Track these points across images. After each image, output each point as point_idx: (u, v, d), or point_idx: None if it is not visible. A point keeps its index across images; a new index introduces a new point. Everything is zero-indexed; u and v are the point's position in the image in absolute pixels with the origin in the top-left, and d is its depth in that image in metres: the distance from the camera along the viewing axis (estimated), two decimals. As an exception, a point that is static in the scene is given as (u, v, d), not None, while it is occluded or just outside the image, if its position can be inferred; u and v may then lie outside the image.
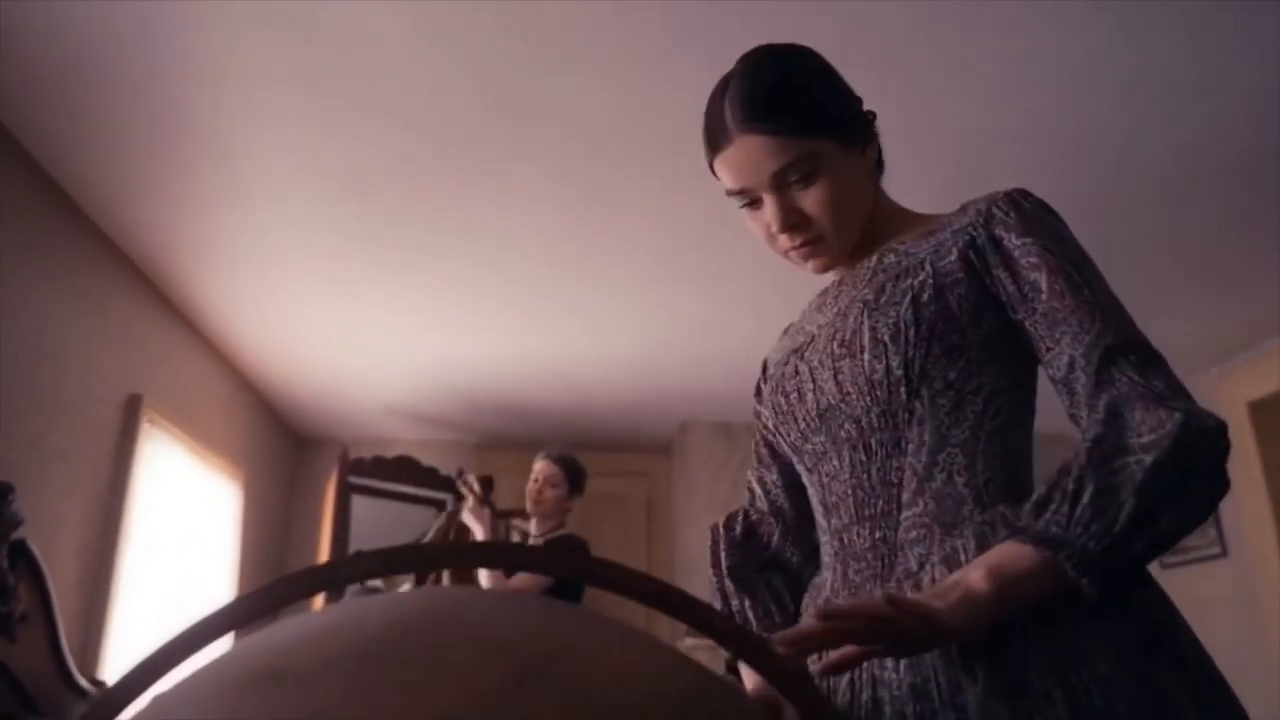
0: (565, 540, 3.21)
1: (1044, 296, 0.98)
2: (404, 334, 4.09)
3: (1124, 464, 0.86)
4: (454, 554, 1.36)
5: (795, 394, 1.10)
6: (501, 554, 1.72)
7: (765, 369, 1.28)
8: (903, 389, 1.00)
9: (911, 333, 1.00)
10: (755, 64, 1.10)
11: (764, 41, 1.15)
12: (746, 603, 1.18)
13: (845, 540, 1.05)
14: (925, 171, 2.64)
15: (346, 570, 1.13)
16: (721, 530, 1.25)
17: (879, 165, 1.20)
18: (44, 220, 2.92)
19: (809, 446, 1.10)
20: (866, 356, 1.02)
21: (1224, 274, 3.45)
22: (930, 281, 1.02)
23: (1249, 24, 2.22)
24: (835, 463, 1.07)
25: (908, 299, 1.02)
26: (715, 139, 1.10)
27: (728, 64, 1.12)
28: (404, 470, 4.97)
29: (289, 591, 0.99)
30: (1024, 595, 0.86)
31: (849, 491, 1.05)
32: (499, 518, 5.41)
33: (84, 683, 2.90)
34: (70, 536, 3.10)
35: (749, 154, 1.06)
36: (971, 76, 2.44)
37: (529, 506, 3.25)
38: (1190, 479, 0.85)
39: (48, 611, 2.75)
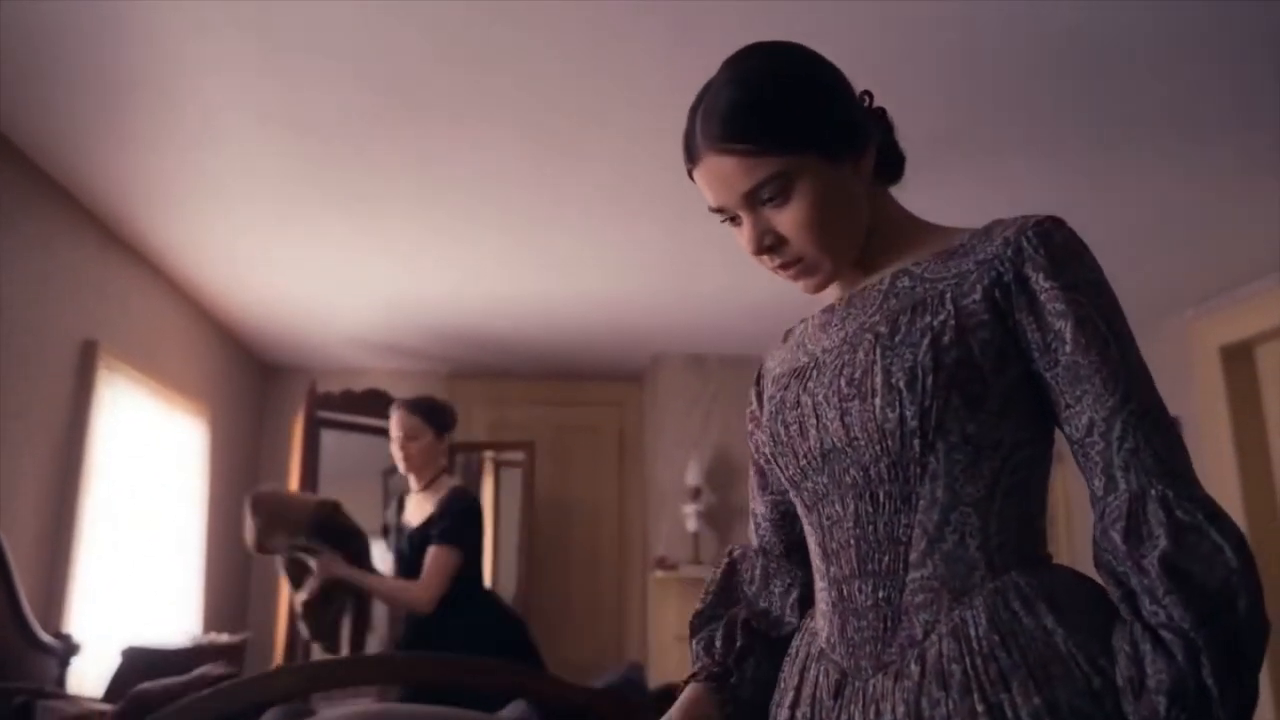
0: (456, 496, 2.98)
1: (1068, 349, 0.91)
2: (367, 271, 3.99)
3: (1234, 637, 0.82)
4: (370, 668, 1.34)
5: (796, 427, 1.03)
6: (427, 666, 1.67)
7: (760, 377, 1.22)
8: (916, 441, 0.92)
9: (929, 380, 0.92)
10: (729, 75, 1.02)
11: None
12: (693, 645, 1.19)
13: (845, 592, 0.99)
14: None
15: (269, 685, 1.09)
16: (714, 568, 1.24)
17: (894, 167, 1.11)
18: (-19, 167, 2.79)
19: (809, 484, 1.03)
20: (878, 401, 0.94)
21: (1203, 218, 3.39)
22: (952, 322, 0.94)
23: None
24: (838, 508, 1.00)
25: (926, 340, 0.94)
26: (689, 153, 1.03)
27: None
28: (373, 403, 4.89)
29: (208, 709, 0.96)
30: None
31: (851, 541, 0.99)
32: (471, 450, 5.40)
33: (46, 638, 2.89)
34: (28, 491, 3.04)
35: (718, 174, 1.00)
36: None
37: (400, 466, 3.04)
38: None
39: (3, 567, 2.72)
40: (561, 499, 5.64)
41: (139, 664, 3.12)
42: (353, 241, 3.66)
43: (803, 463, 1.03)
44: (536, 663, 2.86)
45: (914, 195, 1.13)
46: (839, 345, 1.03)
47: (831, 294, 1.14)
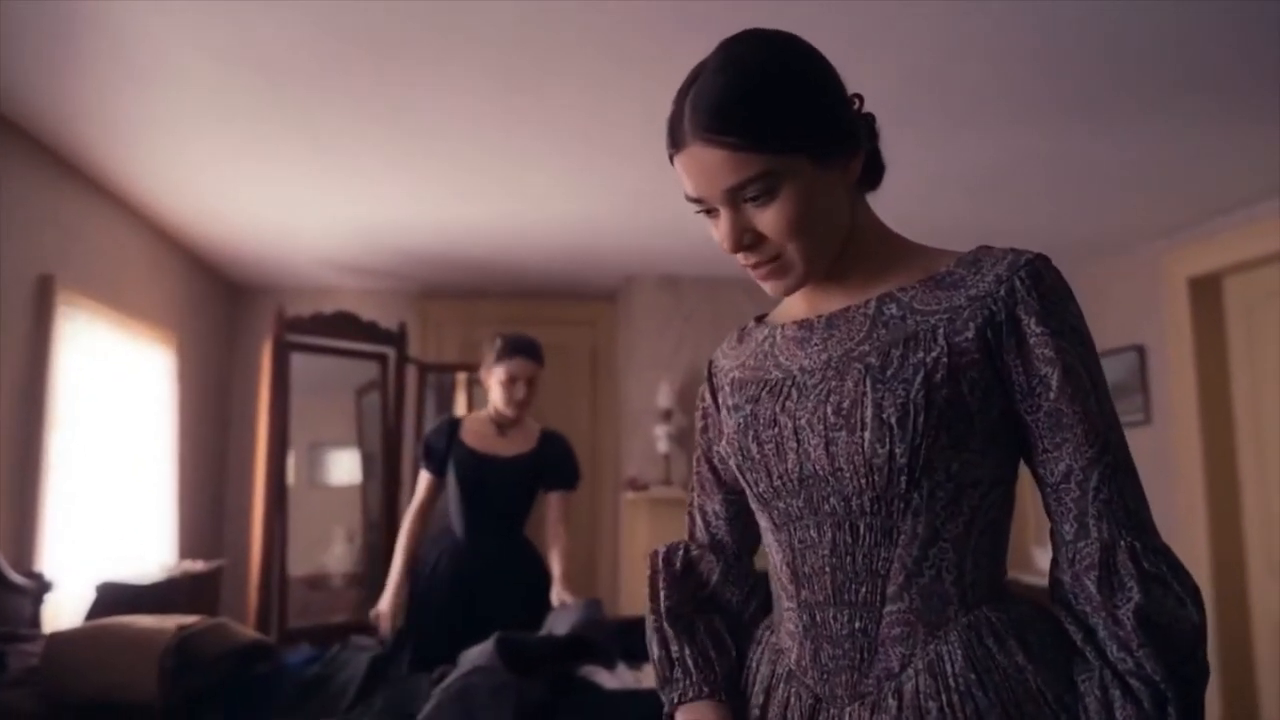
0: (562, 438, 3.34)
1: (1052, 395, 0.93)
2: (331, 197, 3.91)
3: (1190, 686, 0.88)
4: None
5: (772, 446, 1.01)
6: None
7: (713, 374, 1.18)
8: (903, 478, 0.93)
9: (921, 419, 0.92)
10: (726, 62, 0.97)
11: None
12: (686, 649, 1.11)
13: (819, 618, 1.00)
14: (877, 76, 2.46)
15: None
16: (661, 565, 1.19)
17: (874, 175, 1.07)
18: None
19: (780, 504, 1.02)
20: (868, 435, 0.93)
21: (1177, 156, 3.36)
22: (945, 360, 0.94)
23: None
24: (813, 533, 0.99)
25: (920, 377, 0.93)
26: (673, 138, 0.99)
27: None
28: (343, 326, 4.86)
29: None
30: None
31: (827, 568, 0.99)
32: (443, 371, 5.40)
33: (18, 578, 2.91)
34: (-9, 432, 3.03)
35: (702, 165, 0.96)
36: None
37: (511, 410, 3.15)
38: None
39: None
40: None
41: (113, 598, 3.17)
42: (315, 170, 3.57)
43: (776, 483, 1.01)
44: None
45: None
46: (821, 368, 1.01)
47: (797, 303, 1.11)
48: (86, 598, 3.16)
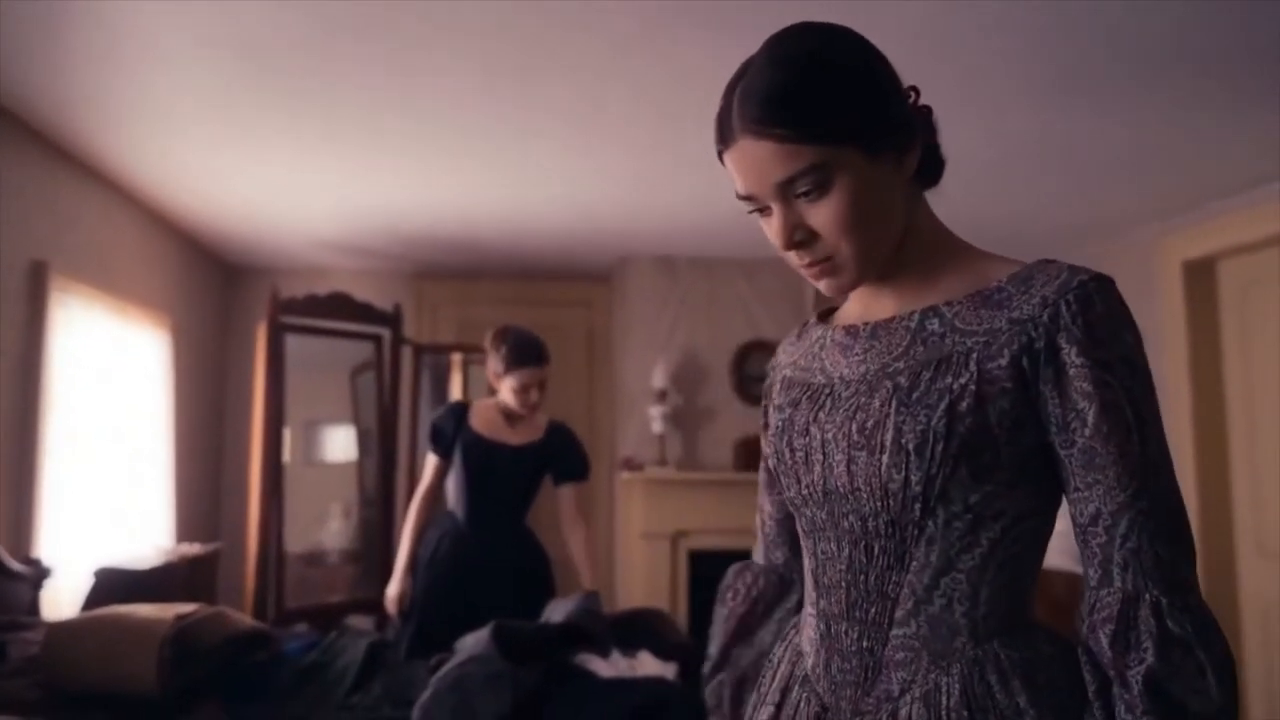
0: (569, 429, 3.31)
1: (1088, 432, 0.88)
2: (323, 179, 3.89)
3: None
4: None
5: (802, 455, 1.00)
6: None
7: (774, 368, 1.17)
8: (917, 506, 0.91)
9: (939, 448, 0.89)
10: (775, 54, 0.95)
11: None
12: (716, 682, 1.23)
13: (833, 630, 1.00)
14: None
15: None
16: (723, 587, 1.26)
17: (933, 171, 1.03)
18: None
19: (808, 512, 1.03)
20: (885, 459, 0.91)
21: (1175, 141, 3.36)
22: (972, 388, 0.90)
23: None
24: (833, 546, 1.00)
25: (943, 404, 0.90)
26: (722, 134, 0.96)
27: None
28: (338, 307, 4.84)
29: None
30: None
31: (842, 583, 0.99)
32: (438, 352, 5.40)
33: (16, 565, 2.93)
34: (-14, 420, 3.03)
35: (752, 159, 0.93)
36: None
37: (524, 410, 3.14)
38: None
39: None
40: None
41: (111, 583, 3.19)
42: (309, 153, 3.56)
43: (804, 492, 1.02)
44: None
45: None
46: (857, 380, 0.99)
47: (854, 304, 1.09)
48: (85, 583, 3.18)
